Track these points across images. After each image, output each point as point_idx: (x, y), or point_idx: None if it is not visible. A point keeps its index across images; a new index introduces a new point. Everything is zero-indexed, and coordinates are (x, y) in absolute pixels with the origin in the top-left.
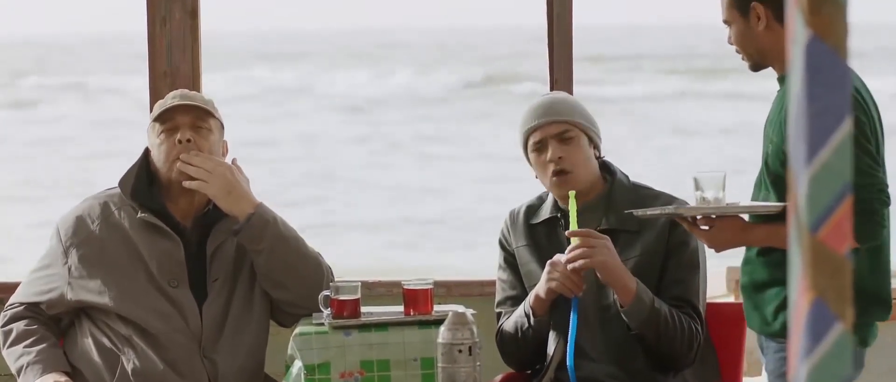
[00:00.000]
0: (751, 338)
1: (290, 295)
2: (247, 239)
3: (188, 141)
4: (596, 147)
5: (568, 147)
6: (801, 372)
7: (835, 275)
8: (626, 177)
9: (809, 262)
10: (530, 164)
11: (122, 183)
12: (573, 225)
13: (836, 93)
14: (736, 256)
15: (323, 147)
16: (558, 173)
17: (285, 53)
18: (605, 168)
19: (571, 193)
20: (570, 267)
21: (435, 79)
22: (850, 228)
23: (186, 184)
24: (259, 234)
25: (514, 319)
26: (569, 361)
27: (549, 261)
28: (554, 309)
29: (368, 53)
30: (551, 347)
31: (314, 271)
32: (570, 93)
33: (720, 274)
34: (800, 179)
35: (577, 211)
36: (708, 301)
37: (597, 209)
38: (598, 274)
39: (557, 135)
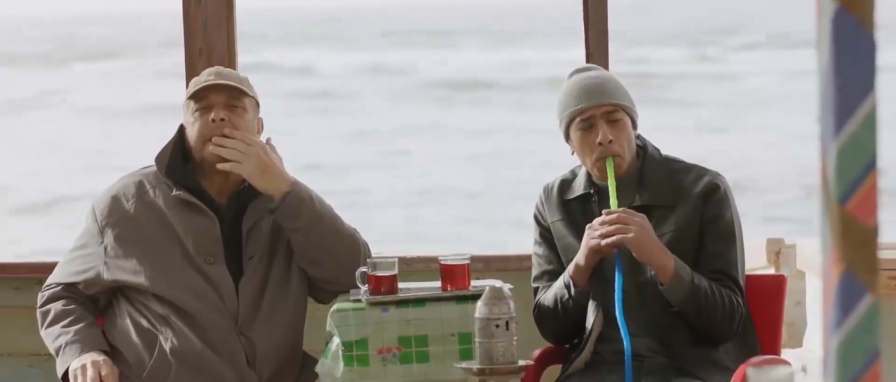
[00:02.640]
0: (792, 310)
1: (327, 273)
2: (283, 218)
3: (222, 120)
4: (635, 126)
5: (615, 129)
6: (831, 344)
7: (864, 247)
8: (658, 150)
9: (838, 234)
10: (569, 142)
11: (157, 160)
12: (612, 193)
13: (863, 65)
14: (777, 228)
15: None
16: (605, 155)
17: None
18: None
19: (609, 159)
20: (603, 242)
21: None
22: (877, 200)
23: (220, 166)
24: (295, 213)
25: (554, 291)
26: (618, 312)
27: (588, 225)
28: (593, 280)
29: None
30: (590, 320)
31: (351, 248)
32: (606, 68)
33: (760, 245)
34: (828, 151)
35: (606, 187)
36: (748, 272)
37: (630, 185)
38: (634, 254)
39: (606, 114)
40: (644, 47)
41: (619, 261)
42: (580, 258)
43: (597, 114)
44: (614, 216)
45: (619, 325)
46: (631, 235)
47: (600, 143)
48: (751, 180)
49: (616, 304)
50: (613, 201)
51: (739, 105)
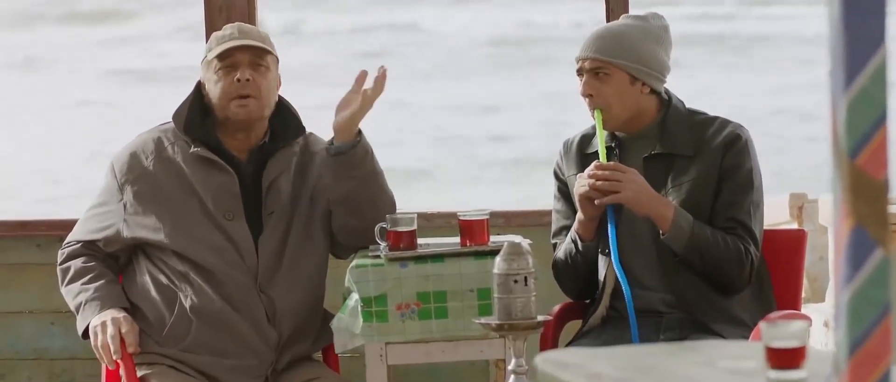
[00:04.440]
0: (815, 265)
1: (362, 224)
2: (345, 165)
3: (247, 80)
4: (643, 83)
5: (599, 83)
6: (842, 299)
7: (874, 202)
8: (682, 103)
9: (849, 189)
10: None
11: (175, 117)
12: (601, 146)
13: (873, 19)
14: (799, 183)
15: None
16: (593, 107)
17: None
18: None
19: (597, 111)
20: (597, 202)
21: None
22: (888, 154)
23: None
24: (360, 162)
25: (564, 246)
26: (615, 264)
27: (578, 176)
28: (602, 234)
29: None
30: (602, 273)
31: (390, 206)
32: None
33: (783, 201)
34: (838, 105)
35: (627, 138)
36: (771, 227)
37: (649, 136)
38: (631, 208)
39: (592, 69)
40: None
41: (611, 215)
42: (579, 212)
43: (584, 68)
44: (605, 172)
45: (618, 277)
46: (622, 194)
47: (581, 94)
48: None
49: (612, 256)
50: (602, 154)
51: None
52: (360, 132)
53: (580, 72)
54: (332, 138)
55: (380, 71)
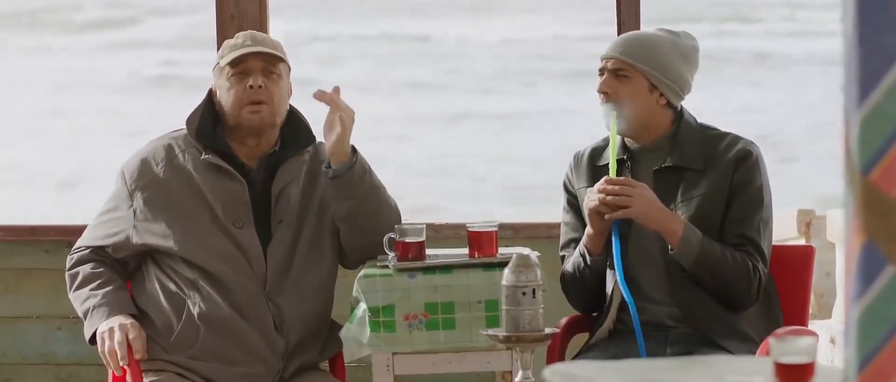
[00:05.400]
0: (822, 281)
1: (368, 239)
2: (344, 186)
3: (260, 87)
4: (661, 94)
5: (617, 83)
6: (852, 315)
7: (886, 217)
8: (694, 118)
9: (861, 204)
10: None
11: (188, 123)
12: (612, 158)
13: (888, 35)
14: (806, 199)
15: None
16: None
17: None
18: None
19: (613, 114)
20: (606, 217)
21: None
22: None
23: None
24: (359, 181)
25: (573, 259)
26: (619, 278)
27: (588, 189)
28: (610, 248)
29: None
30: (609, 287)
31: (395, 217)
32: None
33: (791, 216)
34: (851, 121)
35: (639, 150)
36: (779, 243)
37: (661, 148)
38: (641, 223)
39: (614, 69)
40: None
41: (616, 230)
42: (588, 225)
43: (606, 67)
44: (615, 187)
45: (622, 291)
46: (631, 209)
47: (598, 90)
48: None
49: (617, 271)
50: (613, 167)
51: None
52: (354, 151)
53: (602, 71)
54: (328, 161)
55: (333, 91)
